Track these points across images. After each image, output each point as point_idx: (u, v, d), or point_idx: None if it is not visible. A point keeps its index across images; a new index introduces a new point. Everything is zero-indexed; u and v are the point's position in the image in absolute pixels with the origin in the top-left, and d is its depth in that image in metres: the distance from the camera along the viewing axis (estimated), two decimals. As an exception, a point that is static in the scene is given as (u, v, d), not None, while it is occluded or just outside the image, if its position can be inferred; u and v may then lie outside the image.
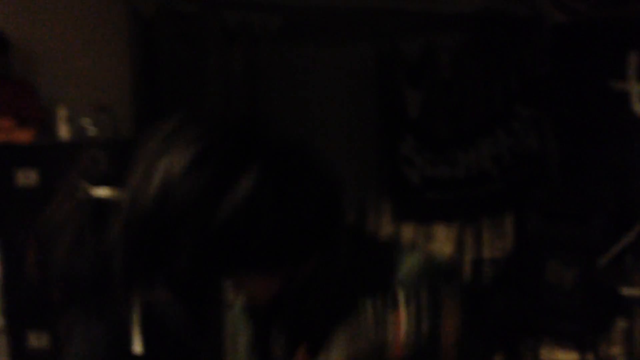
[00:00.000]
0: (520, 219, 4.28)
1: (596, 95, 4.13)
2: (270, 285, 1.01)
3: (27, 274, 3.46)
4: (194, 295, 0.97)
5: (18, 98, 3.93)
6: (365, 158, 4.85)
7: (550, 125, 4.29)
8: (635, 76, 3.99)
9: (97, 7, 4.33)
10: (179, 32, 4.53)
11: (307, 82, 5.18)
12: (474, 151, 4.48)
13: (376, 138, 4.83)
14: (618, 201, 3.87)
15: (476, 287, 4.24)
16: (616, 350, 3.47)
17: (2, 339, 3.71)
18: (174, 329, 1.23)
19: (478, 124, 4.49)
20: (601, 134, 4.09)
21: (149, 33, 4.46)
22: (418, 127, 4.68)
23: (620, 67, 4.00)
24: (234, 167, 0.91)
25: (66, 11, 4.23)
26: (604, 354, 3.37)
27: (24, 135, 3.77)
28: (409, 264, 1.05)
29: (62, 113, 3.77)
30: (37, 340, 3.51)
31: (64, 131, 3.74)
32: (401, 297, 1.03)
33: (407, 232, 4.70)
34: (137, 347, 1.72)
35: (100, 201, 2.06)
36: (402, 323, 1.03)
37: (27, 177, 3.53)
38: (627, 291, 3.37)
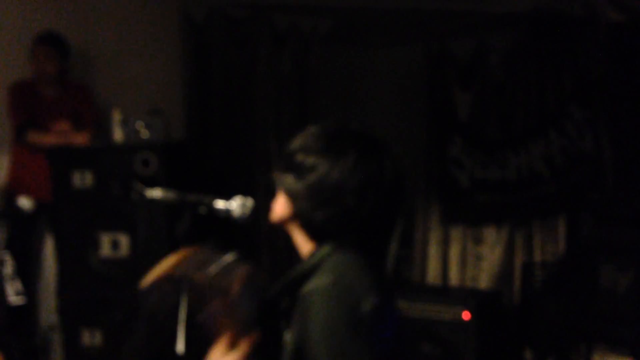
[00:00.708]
0: (573, 221, 4.19)
1: (653, 96, 4.03)
2: None
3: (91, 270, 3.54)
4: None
5: (76, 102, 4.05)
6: (414, 160, 4.83)
7: (604, 126, 4.19)
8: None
9: (151, 13, 4.43)
10: (230, 37, 4.60)
11: (357, 84, 5.19)
12: (525, 153, 4.40)
13: (425, 140, 4.80)
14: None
15: (527, 291, 4.17)
16: (673, 357, 3.38)
17: (56, 337, 3.82)
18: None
19: (530, 125, 4.42)
20: (658, 135, 3.99)
21: (201, 38, 4.54)
22: (467, 128, 4.64)
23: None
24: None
25: (121, 17, 4.34)
26: (659, 361, 3.28)
27: (80, 138, 3.88)
28: None
29: (116, 116, 3.87)
30: (90, 338, 3.60)
31: (118, 134, 3.83)
32: None
33: (456, 234, 4.66)
34: (180, 346, 1.76)
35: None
36: None
37: (82, 179, 3.64)
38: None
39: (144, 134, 3.74)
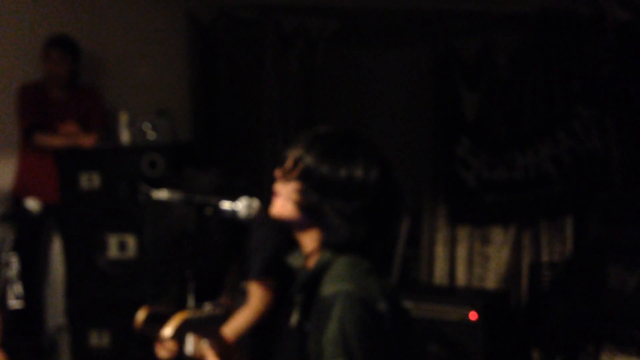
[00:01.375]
0: (580, 222, 4.18)
1: (661, 95, 4.01)
2: None
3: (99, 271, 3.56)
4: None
5: (84, 104, 4.07)
6: (420, 160, 4.83)
7: (613, 126, 4.18)
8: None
9: (158, 15, 4.44)
10: (237, 38, 4.60)
11: (364, 84, 5.18)
12: (532, 153, 4.39)
13: (432, 140, 4.80)
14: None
15: (534, 292, 4.16)
16: (681, 357, 3.36)
17: (64, 337, 3.83)
18: None
19: (537, 125, 4.41)
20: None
21: (208, 39, 4.55)
22: (474, 129, 4.63)
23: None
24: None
25: (128, 19, 4.35)
26: (668, 362, 3.26)
27: (88, 140, 3.90)
28: None
29: (123, 118, 3.89)
30: (98, 339, 3.61)
31: (125, 135, 3.85)
32: None
33: (463, 235, 4.65)
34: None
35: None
36: None
37: (90, 180, 3.66)
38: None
39: (151, 135, 3.76)
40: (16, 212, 3.62)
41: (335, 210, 1.53)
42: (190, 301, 1.96)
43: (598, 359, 3.47)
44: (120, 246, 3.59)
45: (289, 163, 1.60)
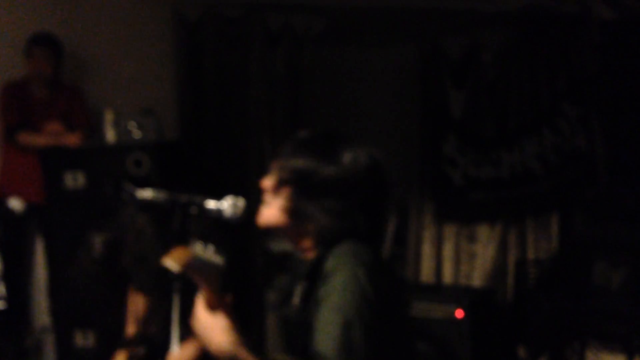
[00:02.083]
0: (566, 219, 4.20)
1: (645, 93, 4.03)
2: None
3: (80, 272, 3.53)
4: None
5: (68, 103, 4.03)
6: (407, 158, 4.83)
7: (598, 124, 4.20)
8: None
9: (143, 13, 4.41)
10: (223, 36, 4.58)
11: (350, 83, 5.18)
12: (518, 151, 4.41)
13: (419, 138, 4.80)
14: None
15: (521, 289, 4.18)
16: (666, 353, 3.38)
17: (49, 338, 3.81)
18: None
19: (523, 123, 4.43)
20: (651, 132, 4.00)
21: (194, 37, 4.53)
22: (461, 127, 4.64)
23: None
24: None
25: (113, 16, 4.33)
26: (652, 358, 3.29)
27: (72, 139, 3.87)
28: None
29: (108, 116, 3.86)
30: (83, 339, 3.59)
31: (110, 134, 3.82)
32: None
33: (450, 233, 4.66)
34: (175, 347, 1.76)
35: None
36: None
37: (74, 179, 3.63)
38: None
39: (137, 134, 3.74)
40: (-1, 211, 3.60)
41: (327, 210, 1.54)
42: (175, 300, 1.93)
43: (583, 356, 3.49)
44: (105, 246, 3.57)
45: (274, 174, 1.61)
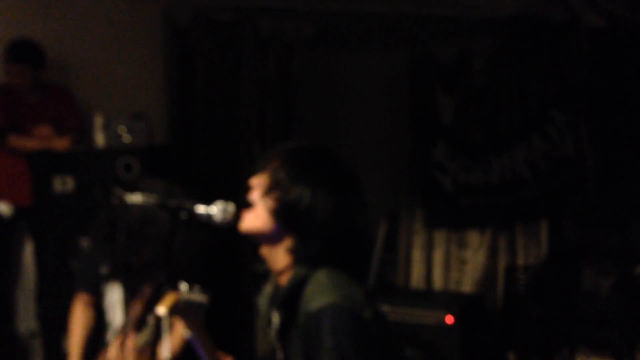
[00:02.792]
0: (555, 225, 4.21)
1: (634, 101, 4.06)
2: None
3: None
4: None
5: (58, 106, 4.01)
6: (397, 164, 4.84)
7: (587, 130, 4.22)
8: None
9: (133, 17, 4.40)
10: (214, 40, 4.57)
11: (341, 88, 5.19)
12: (508, 157, 4.42)
13: (409, 144, 4.81)
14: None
15: (510, 295, 4.18)
16: (654, 359, 3.39)
17: (37, 342, 3.78)
18: None
19: (512, 129, 4.44)
20: (639, 139, 4.02)
21: (184, 41, 4.52)
22: (451, 133, 4.65)
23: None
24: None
25: (103, 21, 4.31)
26: (641, 364, 3.30)
27: (62, 143, 3.85)
28: None
29: (98, 120, 3.84)
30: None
31: (100, 138, 3.80)
32: None
33: (440, 238, 4.67)
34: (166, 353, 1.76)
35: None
36: None
37: (64, 184, 3.61)
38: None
39: (126, 138, 3.72)
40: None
41: (309, 219, 1.53)
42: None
43: (572, 362, 3.50)
44: (94, 250, 3.55)
45: (261, 178, 1.60)
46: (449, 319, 3.65)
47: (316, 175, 1.55)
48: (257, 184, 1.61)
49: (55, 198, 3.60)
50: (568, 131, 4.26)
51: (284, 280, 1.57)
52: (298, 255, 1.55)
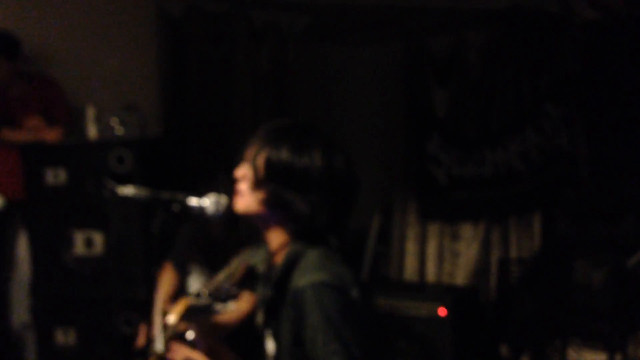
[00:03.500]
0: (548, 218, 4.22)
1: (628, 94, 4.06)
2: None
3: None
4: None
5: (45, 97, 3.97)
6: (391, 157, 4.84)
7: (580, 124, 4.23)
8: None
9: (126, 8, 4.38)
10: (207, 32, 4.56)
11: (335, 80, 5.18)
12: (502, 150, 4.43)
13: (403, 136, 4.81)
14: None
15: (503, 287, 4.20)
16: (646, 351, 3.41)
17: (30, 335, 3.77)
18: None
19: (506, 122, 4.45)
20: (632, 133, 4.02)
21: (178, 33, 4.50)
22: (445, 125, 4.65)
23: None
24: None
25: (95, 12, 4.28)
26: (632, 355, 3.31)
27: (53, 135, 3.82)
28: None
29: (90, 112, 3.82)
30: (64, 337, 3.56)
31: (92, 130, 3.78)
32: None
33: (433, 231, 4.68)
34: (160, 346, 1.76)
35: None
36: None
37: (56, 176, 3.59)
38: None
39: (119, 130, 3.70)
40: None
41: (300, 198, 1.53)
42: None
43: (565, 353, 3.51)
44: (86, 243, 3.54)
45: (250, 167, 1.60)
46: (442, 311, 3.66)
47: (298, 139, 1.57)
48: (243, 173, 1.62)
49: (48, 190, 3.58)
50: (562, 124, 4.26)
51: (279, 259, 1.58)
52: (293, 231, 1.55)
